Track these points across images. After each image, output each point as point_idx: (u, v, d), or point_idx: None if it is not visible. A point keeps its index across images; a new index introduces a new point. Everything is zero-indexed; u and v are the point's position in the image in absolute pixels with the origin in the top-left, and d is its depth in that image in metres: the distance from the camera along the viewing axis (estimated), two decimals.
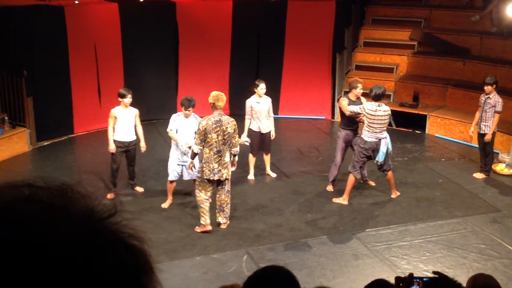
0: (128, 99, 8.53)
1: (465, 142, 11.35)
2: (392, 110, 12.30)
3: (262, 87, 9.21)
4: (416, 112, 12.30)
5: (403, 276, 2.69)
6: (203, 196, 7.69)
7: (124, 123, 8.57)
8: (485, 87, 9.43)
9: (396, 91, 13.02)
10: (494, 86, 9.40)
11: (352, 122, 8.84)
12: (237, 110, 12.18)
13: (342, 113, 8.96)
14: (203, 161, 7.57)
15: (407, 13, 14.29)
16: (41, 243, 0.68)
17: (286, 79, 13.17)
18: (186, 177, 8.37)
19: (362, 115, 8.38)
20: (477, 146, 10.25)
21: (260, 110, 9.24)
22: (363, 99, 8.85)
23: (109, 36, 12.08)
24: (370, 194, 9.06)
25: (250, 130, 9.36)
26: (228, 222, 8.03)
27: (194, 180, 8.04)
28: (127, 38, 12.22)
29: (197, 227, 7.90)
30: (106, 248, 0.72)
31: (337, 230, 7.95)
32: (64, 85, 11.56)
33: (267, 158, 9.71)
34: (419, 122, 12.20)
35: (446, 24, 13.77)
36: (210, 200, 8.19)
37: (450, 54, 13.06)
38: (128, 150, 8.73)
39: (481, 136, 9.58)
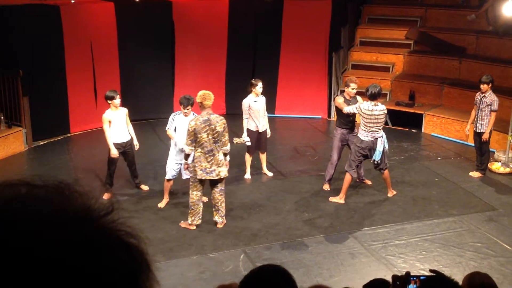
0: (118, 100, 8.50)
1: (461, 141, 11.37)
2: (388, 109, 12.32)
3: (260, 86, 9.21)
4: (412, 111, 12.32)
5: (400, 274, 2.69)
6: (196, 197, 7.72)
7: (117, 124, 8.55)
8: (481, 86, 9.45)
9: (392, 90, 13.04)
10: (490, 84, 9.41)
11: (347, 121, 8.85)
12: (233, 110, 12.20)
13: (338, 112, 8.96)
14: (194, 161, 7.59)
15: (403, 12, 14.31)
16: (38, 241, 0.68)
17: (283, 78, 13.18)
18: (184, 176, 8.37)
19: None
20: (473, 144, 10.27)
21: (258, 109, 9.25)
22: (358, 98, 8.86)
23: (105, 35, 12.06)
24: (366, 193, 9.06)
25: (247, 129, 9.36)
26: (224, 221, 8.04)
27: None
28: (123, 38, 12.20)
29: (182, 221, 7.98)
30: (104, 246, 0.72)
31: (334, 229, 7.96)
32: (60, 84, 11.53)
33: (263, 157, 9.72)
34: (415, 121, 12.22)
35: (442, 23, 13.79)
36: (202, 199, 8.21)
37: (446, 53, 13.09)
38: (125, 151, 8.71)
39: (477, 134, 9.60)
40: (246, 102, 9.27)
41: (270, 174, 9.77)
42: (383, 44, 13.88)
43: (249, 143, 9.37)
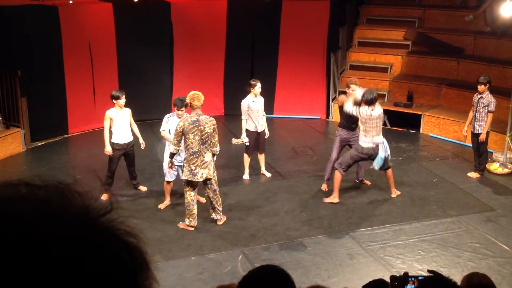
0: (123, 100, 8.53)
1: (459, 142, 11.38)
2: (386, 110, 12.38)
3: (258, 87, 9.22)
4: (411, 111, 12.33)
5: (398, 275, 2.70)
6: (189, 198, 7.74)
7: (121, 124, 8.57)
8: (479, 87, 9.46)
9: (390, 91, 13.04)
10: (488, 85, 9.43)
11: (351, 122, 8.84)
12: (232, 110, 12.20)
13: (341, 113, 8.97)
14: (184, 161, 7.61)
15: (401, 13, 14.32)
16: (38, 240, 0.68)
17: (281, 79, 13.18)
18: (183, 177, 8.38)
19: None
20: (471, 145, 10.27)
21: (257, 109, 9.26)
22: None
23: (103, 36, 12.06)
24: (365, 194, 9.07)
25: (246, 130, 9.36)
26: (224, 218, 8.06)
27: None
28: (122, 38, 12.19)
29: (181, 222, 8.00)
30: (103, 245, 0.72)
31: (332, 230, 7.96)
32: (59, 85, 11.53)
33: (261, 158, 9.72)
34: (414, 121, 12.23)
35: (440, 23, 13.81)
36: (200, 200, 8.27)
37: (444, 54, 13.10)
38: (126, 152, 8.72)
39: (474, 135, 9.61)
40: (245, 102, 9.27)
41: (268, 174, 9.77)
42: (381, 45, 13.89)
43: (247, 144, 9.37)
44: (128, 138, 8.69)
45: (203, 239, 7.70)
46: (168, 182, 8.51)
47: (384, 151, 8.36)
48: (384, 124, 12.53)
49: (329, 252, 7.35)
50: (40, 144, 11.38)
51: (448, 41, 13.31)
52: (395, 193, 8.90)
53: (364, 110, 8.29)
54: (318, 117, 13.20)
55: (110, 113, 8.54)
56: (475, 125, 9.51)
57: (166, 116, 8.44)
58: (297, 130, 12.44)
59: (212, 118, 7.67)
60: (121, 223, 0.76)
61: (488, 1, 12.74)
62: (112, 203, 0.78)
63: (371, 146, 8.33)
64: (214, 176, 7.74)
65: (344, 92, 9.38)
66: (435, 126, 11.96)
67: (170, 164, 7.80)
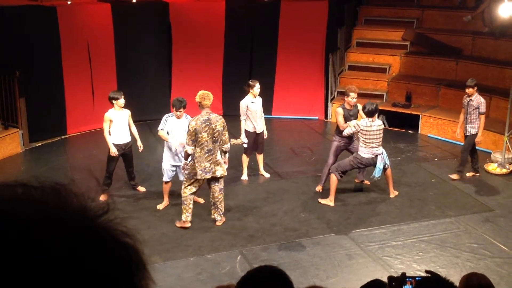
0: (122, 100, 8.54)
1: (457, 142, 11.36)
2: (385, 110, 12.43)
3: (257, 87, 9.23)
4: (409, 112, 12.33)
5: (396, 275, 2.70)
6: (188, 193, 7.76)
7: (119, 125, 8.57)
8: (467, 90, 9.41)
9: (388, 91, 13.05)
10: (475, 88, 9.38)
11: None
12: (230, 111, 12.19)
13: (336, 122, 9.02)
14: (195, 160, 7.61)
15: (400, 13, 14.32)
16: (35, 241, 0.68)
17: (279, 80, 13.18)
18: (181, 177, 8.38)
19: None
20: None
21: (255, 109, 9.27)
22: (359, 106, 8.84)
23: (102, 36, 12.05)
24: (363, 194, 9.08)
25: (245, 130, 9.36)
26: (224, 219, 8.08)
27: None
28: (120, 39, 12.19)
29: (177, 221, 7.99)
30: (100, 246, 0.72)
31: (331, 230, 7.97)
32: (57, 85, 11.52)
33: (260, 158, 9.72)
34: (412, 122, 12.24)
35: (438, 24, 13.82)
36: (199, 201, 8.31)
37: (442, 54, 13.11)
38: (124, 152, 8.72)
39: (466, 138, 9.58)
40: (243, 103, 9.27)
41: (267, 175, 9.77)
42: (380, 45, 13.90)
43: (246, 145, 9.38)
44: (126, 139, 8.69)
45: (202, 239, 7.70)
46: (166, 182, 8.51)
47: (383, 161, 8.42)
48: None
49: (328, 253, 7.35)
50: (38, 144, 11.36)
51: (447, 41, 13.32)
52: (393, 193, 8.91)
53: (364, 122, 8.34)
54: (317, 118, 13.20)
55: (109, 114, 8.54)
56: (467, 127, 9.46)
57: (165, 116, 8.45)
58: (295, 130, 12.44)
59: (221, 117, 7.80)
60: (118, 224, 0.77)
61: (486, 1, 12.75)
62: (109, 204, 0.78)
63: (371, 157, 8.39)
64: (225, 174, 7.84)
65: (343, 93, 9.38)
66: (433, 127, 11.97)
67: (185, 164, 7.77)
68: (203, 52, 12.86)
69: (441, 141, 11.64)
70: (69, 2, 11.79)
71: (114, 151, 8.51)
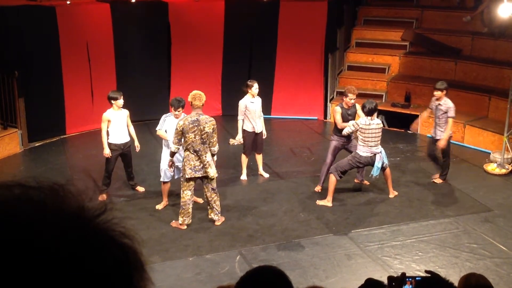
0: (121, 101, 8.54)
1: (456, 142, 11.38)
2: (384, 110, 12.42)
3: (256, 87, 9.23)
4: (408, 112, 12.33)
5: (395, 275, 2.70)
6: (187, 197, 7.77)
7: (118, 125, 8.57)
8: (435, 92, 9.15)
9: (388, 92, 13.05)
10: (445, 91, 9.17)
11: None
12: (229, 111, 12.20)
13: (334, 121, 9.02)
14: (183, 160, 7.65)
15: (399, 13, 14.33)
16: (32, 242, 0.68)
17: (279, 80, 13.18)
18: (180, 175, 8.39)
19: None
20: (469, 145, 10.29)
21: (254, 110, 9.27)
22: (357, 106, 8.85)
23: (101, 36, 12.04)
24: (363, 194, 9.08)
25: (244, 130, 9.37)
26: (223, 218, 8.08)
27: None
28: (119, 39, 12.18)
29: (174, 221, 8.02)
30: (98, 246, 0.72)
31: (330, 230, 7.96)
32: (56, 85, 11.51)
33: (259, 158, 9.72)
34: (411, 122, 12.21)
35: (437, 24, 13.82)
36: (198, 201, 8.36)
37: (441, 55, 13.11)
38: (123, 152, 8.72)
39: (435, 142, 9.30)
40: (242, 103, 9.28)
41: (266, 175, 9.77)
42: (379, 46, 13.90)
43: (244, 144, 9.40)
44: (125, 139, 8.69)
45: (201, 239, 7.70)
46: (165, 183, 8.51)
47: (381, 160, 8.42)
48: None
49: (327, 253, 7.35)
50: (37, 144, 11.35)
51: (446, 42, 13.33)
52: (393, 193, 8.91)
53: (363, 120, 8.35)
54: (316, 118, 13.20)
55: (108, 115, 8.54)
56: (437, 131, 9.22)
57: (164, 115, 8.46)
58: (294, 130, 12.44)
59: (212, 118, 7.72)
60: (116, 224, 0.76)
61: (485, 2, 12.76)
62: (106, 204, 0.77)
63: (369, 155, 8.39)
64: (216, 175, 7.82)
65: (342, 93, 9.38)
66: (432, 127, 11.93)
67: (171, 163, 7.82)
68: (203, 52, 12.86)
69: None
70: (68, 2, 11.77)
71: (107, 152, 8.52)
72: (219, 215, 8.05)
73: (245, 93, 9.34)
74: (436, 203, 8.76)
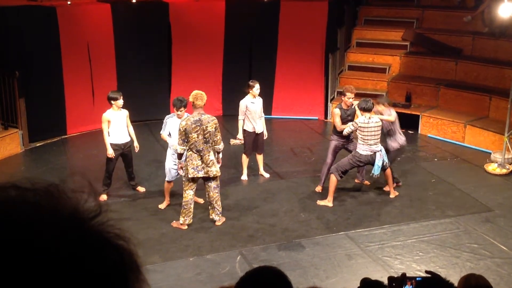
0: (121, 101, 8.55)
1: (457, 142, 11.40)
2: None
3: (257, 88, 9.23)
4: (409, 112, 12.32)
5: (396, 276, 2.70)
6: (189, 196, 7.78)
7: (118, 125, 8.58)
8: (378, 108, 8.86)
9: (388, 92, 13.04)
10: (385, 104, 8.98)
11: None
12: (230, 111, 12.19)
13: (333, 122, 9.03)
14: (186, 160, 7.65)
15: (400, 13, 14.32)
16: (27, 243, 0.68)
17: (279, 80, 13.18)
18: (183, 174, 8.38)
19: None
20: (470, 145, 10.27)
21: (255, 110, 9.27)
22: (356, 103, 8.85)
23: (101, 37, 12.05)
24: (363, 194, 9.07)
25: (244, 130, 9.37)
26: (224, 219, 8.08)
27: None
28: (120, 39, 12.19)
29: (174, 221, 8.02)
30: (93, 248, 0.72)
31: (331, 230, 7.96)
32: (57, 86, 11.52)
33: (260, 159, 9.72)
34: (412, 122, 12.22)
35: (438, 24, 13.81)
36: (199, 201, 8.39)
37: (442, 54, 13.10)
38: (123, 152, 8.73)
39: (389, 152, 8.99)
40: (243, 103, 9.29)
41: (267, 175, 9.77)
42: (380, 46, 13.89)
43: (244, 143, 9.42)
44: (125, 139, 8.69)
45: (201, 239, 7.70)
46: (169, 182, 8.50)
47: (381, 159, 8.42)
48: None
49: (328, 253, 7.35)
50: (38, 144, 11.36)
51: (446, 41, 13.32)
52: (393, 193, 8.91)
53: (362, 119, 8.35)
54: (317, 118, 13.20)
55: (107, 115, 8.55)
56: (388, 142, 8.96)
57: (166, 117, 8.44)
58: (295, 130, 12.44)
59: (214, 118, 7.75)
60: (111, 226, 0.76)
61: (486, 1, 12.75)
62: (101, 206, 0.77)
63: (369, 154, 8.39)
64: (219, 174, 7.84)
65: (340, 93, 9.39)
66: (433, 127, 11.96)
67: (180, 165, 7.80)
68: (203, 52, 12.86)
69: (441, 141, 11.63)
70: (69, 2, 11.78)
71: (110, 153, 8.53)
72: (220, 215, 8.05)
73: (246, 93, 9.34)
74: (436, 203, 8.75)
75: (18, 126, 11.00)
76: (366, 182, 9.32)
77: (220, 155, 7.89)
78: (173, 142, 8.16)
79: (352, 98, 8.81)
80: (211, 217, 8.03)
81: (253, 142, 9.44)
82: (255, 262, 7.00)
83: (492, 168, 9.98)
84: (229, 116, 12.40)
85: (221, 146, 7.79)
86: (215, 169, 7.71)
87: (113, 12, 12.07)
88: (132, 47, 12.31)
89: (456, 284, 2.98)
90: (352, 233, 7.86)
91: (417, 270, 6.79)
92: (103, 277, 0.71)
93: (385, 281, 2.80)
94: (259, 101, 9.39)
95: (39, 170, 10.09)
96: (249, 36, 13.07)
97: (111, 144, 8.57)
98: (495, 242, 7.56)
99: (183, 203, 7.87)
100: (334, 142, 9.00)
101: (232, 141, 10.75)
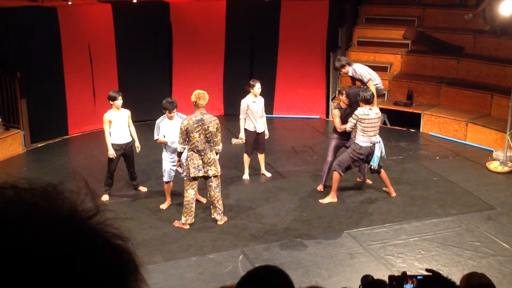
0: (120, 101, 8.54)
1: (459, 140, 11.38)
2: (386, 109, 12.41)
3: (258, 87, 9.24)
4: (411, 110, 12.32)
5: (396, 274, 2.69)
6: (190, 196, 7.78)
7: (119, 125, 8.58)
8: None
9: (390, 90, 13.03)
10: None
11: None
12: (231, 110, 12.19)
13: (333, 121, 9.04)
14: (187, 159, 7.66)
15: (401, 12, 14.30)
16: (24, 244, 0.68)
17: (280, 79, 13.18)
18: (184, 174, 8.37)
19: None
20: (471, 144, 10.25)
21: (256, 109, 9.27)
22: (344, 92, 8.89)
23: (102, 37, 12.06)
24: (365, 193, 9.07)
25: (245, 130, 9.38)
26: (225, 218, 8.09)
27: None
28: (121, 39, 12.20)
29: (176, 221, 8.02)
30: (90, 248, 0.72)
31: (332, 229, 7.95)
32: (58, 86, 11.53)
33: (261, 158, 9.71)
34: (414, 120, 12.22)
35: (439, 22, 13.78)
36: (201, 201, 8.40)
37: (443, 53, 13.08)
38: (125, 152, 8.74)
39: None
40: (244, 102, 9.29)
41: (268, 174, 9.77)
42: (381, 44, 13.87)
43: (245, 143, 9.41)
44: (127, 139, 8.70)
45: (203, 239, 7.70)
46: (167, 182, 8.51)
47: (380, 149, 8.40)
48: (384, 123, 12.55)
49: (330, 252, 7.34)
50: (40, 145, 11.37)
51: (448, 40, 13.30)
52: (393, 192, 8.89)
53: (361, 110, 8.32)
54: (318, 117, 13.20)
55: (108, 115, 8.55)
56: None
57: (157, 121, 8.40)
58: (297, 129, 12.44)
59: (216, 118, 7.76)
60: (109, 226, 0.76)
61: None
62: (99, 206, 0.77)
63: (369, 145, 8.37)
64: (219, 173, 7.83)
65: (340, 92, 9.38)
66: (435, 125, 11.95)
67: (179, 163, 7.83)
68: (204, 51, 12.86)
69: (442, 139, 11.62)
70: (69, 3, 11.78)
71: (111, 153, 8.54)
72: (222, 214, 8.05)
73: (248, 92, 9.34)
74: (438, 202, 8.74)
75: (19, 126, 11.01)
76: (368, 181, 9.31)
77: (217, 156, 7.88)
78: (172, 140, 8.15)
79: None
80: (212, 216, 8.04)
81: (254, 142, 9.44)
82: (257, 261, 7.00)
83: (494, 166, 9.96)
84: (230, 116, 12.40)
85: (220, 147, 7.80)
86: (215, 168, 7.72)
87: (114, 12, 12.08)
88: (133, 47, 12.31)
89: (458, 282, 2.98)
90: (354, 232, 7.85)
91: (419, 268, 6.78)
92: (101, 276, 0.71)
93: (387, 280, 2.79)
94: (261, 100, 9.39)
95: (41, 170, 10.10)
96: (250, 36, 13.07)
97: (113, 144, 8.58)
98: (498, 240, 7.55)
99: (184, 203, 7.88)
100: (334, 140, 9.00)
101: (234, 141, 10.75)
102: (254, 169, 9.81)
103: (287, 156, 10.81)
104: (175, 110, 8.14)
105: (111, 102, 8.54)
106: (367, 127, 8.30)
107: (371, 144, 8.38)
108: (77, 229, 0.73)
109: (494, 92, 11.52)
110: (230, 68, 13.01)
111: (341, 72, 9.14)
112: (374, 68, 13.56)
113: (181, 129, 7.60)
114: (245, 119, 9.34)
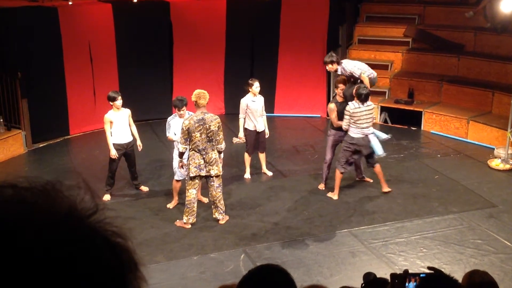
0: (119, 101, 8.54)
1: (460, 138, 11.38)
2: (387, 107, 12.40)
3: (256, 86, 9.23)
4: (412, 108, 12.32)
5: (398, 273, 2.69)
6: (192, 195, 7.77)
7: (119, 125, 8.58)
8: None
9: (391, 88, 13.03)
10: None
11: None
12: (232, 109, 12.19)
13: (329, 116, 9.03)
14: (188, 159, 7.66)
15: (401, 10, 14.29)
16: (24, 243, 0.68)
17: (281, 78, 13.17)
18: (185, 174, 8.38)
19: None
20: (472, 141, 10.22)
21: (256, 108, 9.27)
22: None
23: (103, 36, 12.06)
24: (366, 191, 9.06)
25: (246, 129, 9.37)
26: (227, 217, 8.09)
27: None
28: (121, 39, 12.19)
29: (178, 220, 8.02)
30: (89, 246, 0.72)
31: (334, 228, 7.95)
32: (59, 86, 11.53)
33: (262, 157, 9.71)
34: (415, 118, 12.22)
35: (440, 20, 13.77)
36: (203, 200, 8.39)
37: (444, 50, 13.07)
38: (126, 152, 8.74)
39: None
40: (244, 101, 9.29)
41: (269, 173, 9.77)
42: (382, 42, 13.86)
43: (245, 142, 9.42)
44: (128, 138, 8.70)
45: (205, 238, 7.70)
46: (178, 181, 8.49)
47: (376, 137, 8.41)
48: (385, 121, 12.55)
49: (331, 250, 7.34)
50: (41, 145, 11.38)
51: (448, 37, 13.29)
52: (386, 187, 8.87)
53: (352, 105, 8.32)
54: (319, 115, 13.19)
55: (109, 116, 8.55)
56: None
57: (169, 119, 8.43)
58: (298, 128, 12.43)
59: (217, 117, 7.75)
60: (108, 224, 0.76)
61: None
62: (98, 204, 0.77)
63: (361, 136, 8.37)
64: (221, 173, 7.83)
65: (336, 86, 9.36)
66: (436, 123, 11.94)
67: (181, 163, 7.83)
68: (204, 51, 12.86)
69: (444, 137, 11.61)
70: (70, 3, 11.78)
71: (113, 154, 8.53)
72: (223, 214, 8.05)
73: (247, 91, 9.34)
74: (440, 200, 8.74)
75: (21, 127, 11.01)
76: (368, 179, 9.30)
77: (222, 154, 7.89)
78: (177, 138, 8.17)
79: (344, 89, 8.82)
80: (214, 216, 8.04)
81: (255, 141, 9.44)
82: (259, 260, 7.00)
83: (495, 163, 9.96)
84: (231, 115, 12.39)
85: (223, 145, 7.79)
86: (216, 168, 7.72)
87: (114, 11, 12.07)
88: (134, 47, 12.31)
89: (460, 280, 2.97)
90: (355, 230, 7.85)
91: (421, 266, 6.78)
92: (101, 276, 0.71)
93: (389, 278, 2.79)
94: (260, 99, 9.38)
95: (42, 170, 10.10)
96: (251, 35, 13.06)
97: (114, 144, 8.58)
98: (499, 238, 7.55)
99: (186, 203, 7.88)
100: (331, 137, 9.00)
101: (234, 140, 10.73)
102: (255, 168, 9.81)
103: (288, 155, 10.81)
104: (185, 108, 8.11)
105: (111, 103, 8.54)
106: (359, 119, 8.31)
107: (363, 135, 8.38)
108: (76, 228, 0.73)
109: (495, 89, 11.51)
110: (231, 67, 13.01)
111: (327, 68, 9.13)
112: (374, 66, 13.60)
113: (182, 129, 7.59)
114: (244, 118, 9.34)
